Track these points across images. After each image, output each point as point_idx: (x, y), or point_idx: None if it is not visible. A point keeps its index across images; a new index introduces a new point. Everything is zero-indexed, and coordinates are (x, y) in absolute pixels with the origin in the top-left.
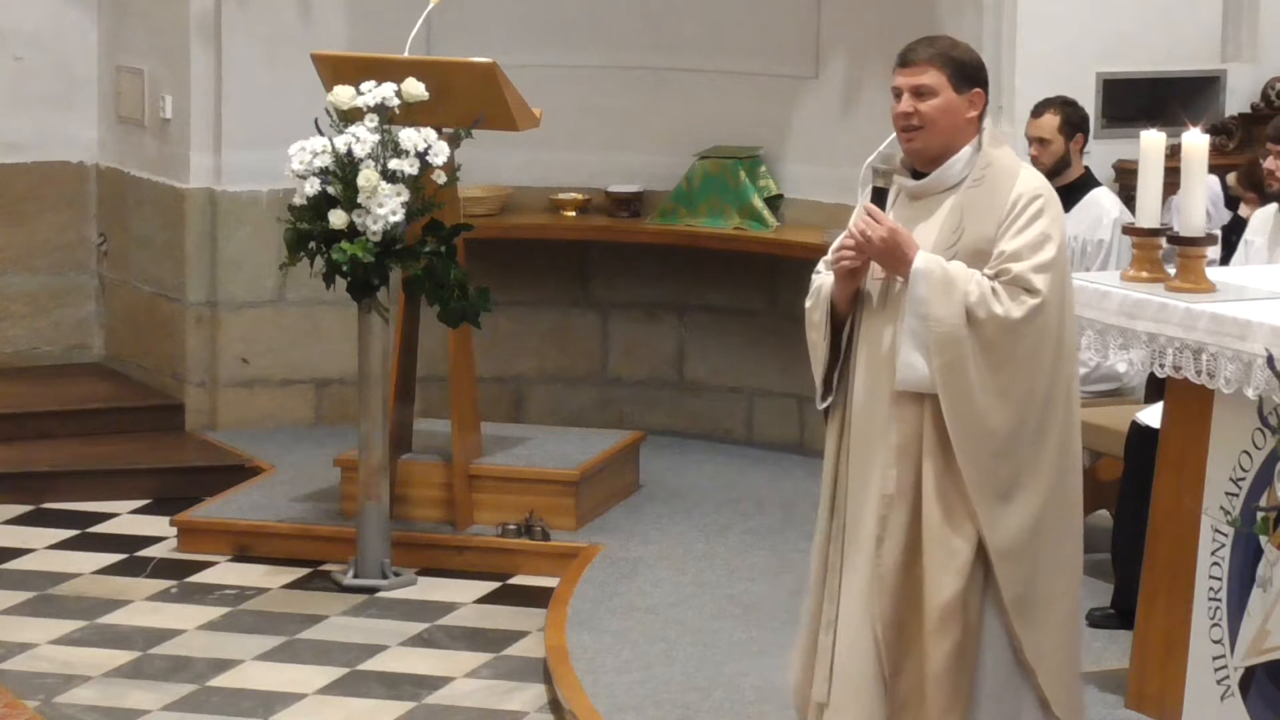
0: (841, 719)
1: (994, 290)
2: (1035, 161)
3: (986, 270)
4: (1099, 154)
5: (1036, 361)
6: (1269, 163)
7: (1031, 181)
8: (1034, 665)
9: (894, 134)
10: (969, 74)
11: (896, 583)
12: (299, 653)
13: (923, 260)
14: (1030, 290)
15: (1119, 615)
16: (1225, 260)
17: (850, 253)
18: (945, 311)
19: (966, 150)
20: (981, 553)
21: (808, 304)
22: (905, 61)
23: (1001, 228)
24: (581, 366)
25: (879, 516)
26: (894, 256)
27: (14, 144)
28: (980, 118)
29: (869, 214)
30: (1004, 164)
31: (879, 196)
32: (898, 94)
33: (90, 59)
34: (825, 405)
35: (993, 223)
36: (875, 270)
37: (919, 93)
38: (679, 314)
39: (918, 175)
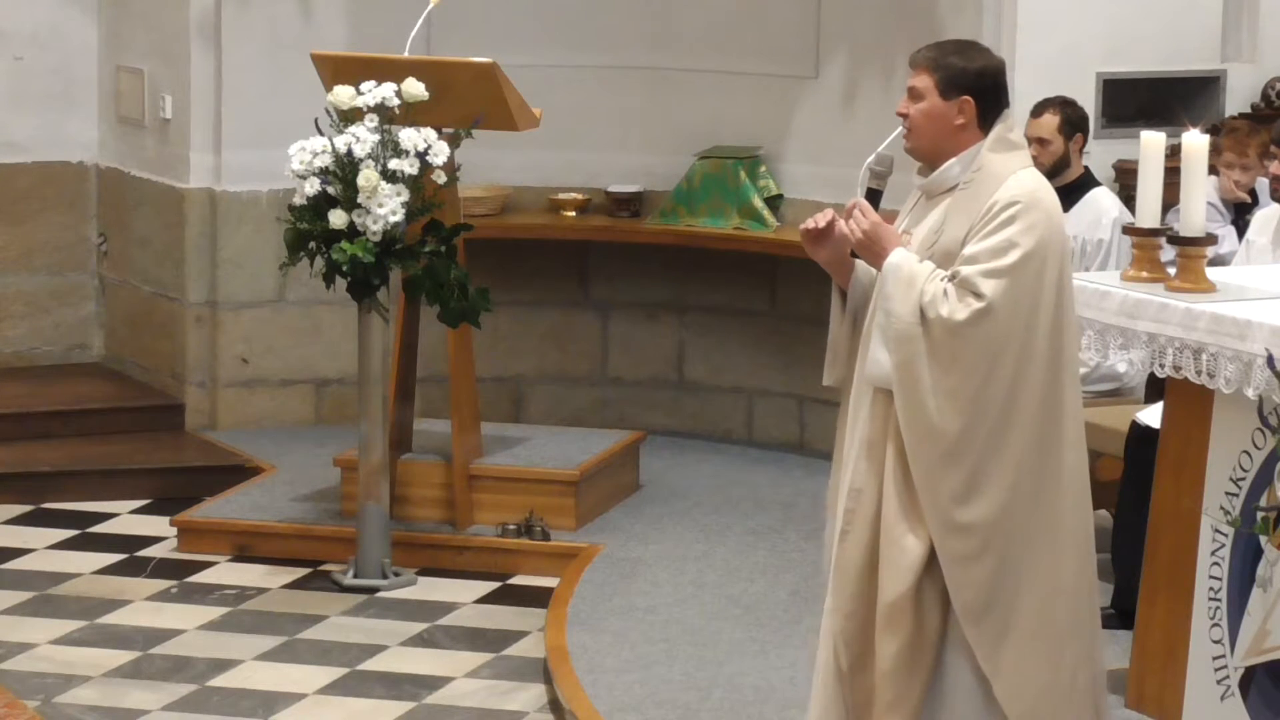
0: (810, 709)
1: (945, 292)
2: (1035, 162)
3: (947, 272)
4: (1099, 154)
5: (991, 368)
6: (1274, 168)
7: (1015, 189)
8: (990, 676)
9: (894, 133)
10: (959, 82)
11: (857, 578)
12: (299, 653)
13: (895, 256)
14: (976, 294)
15: (1119, 615)
16: None
17: (810, 223)
18: (903, 308)
19: (964, 155)
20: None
21: None
22: (910, 63)
23: (971, 232)
24: (581, 366)
25: (846, 510)
26: (872, 251)
27: (14, 144)
28: (981, 124)
29: (858, 209)
30: (995, 170)
31: (871, 195)
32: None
33: (90, 59)
34: (828, 382)
35: (965, 227)
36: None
37: (912, 95)
38: (679, 314)
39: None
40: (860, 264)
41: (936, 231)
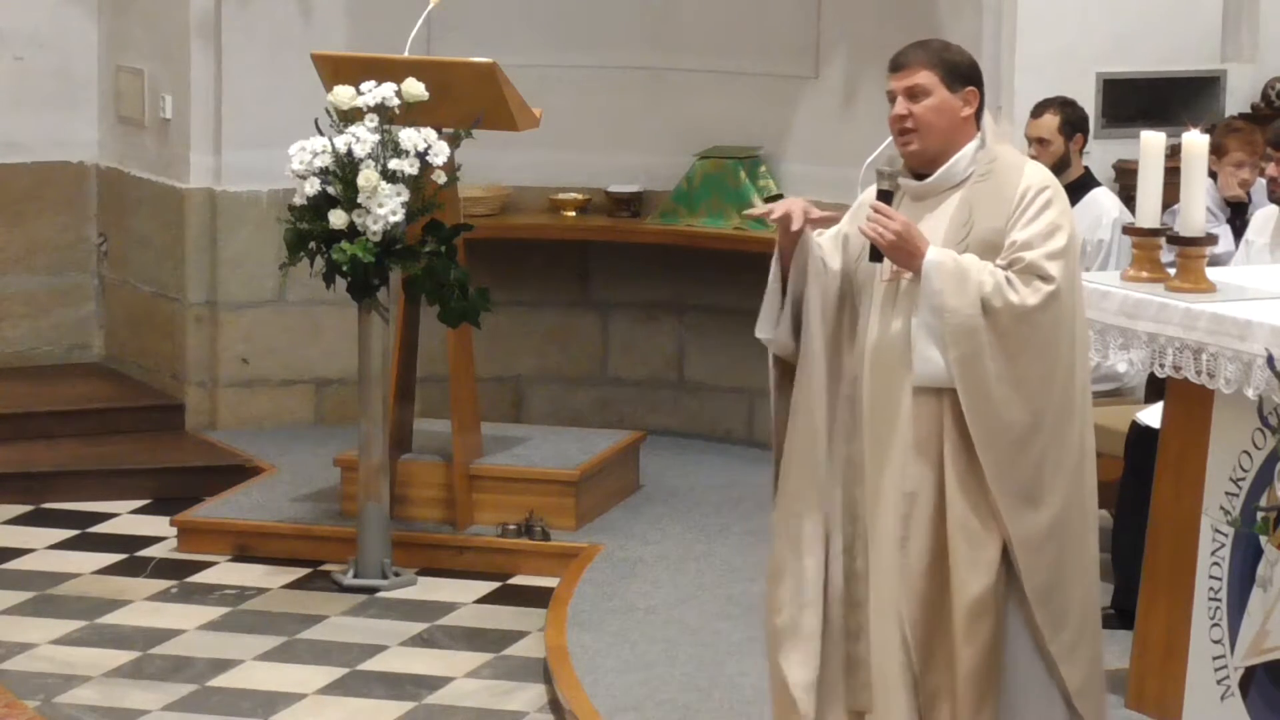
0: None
1: (1008, 279)
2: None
3: (999, 261)
4: (1099, 154)
5: (1053, 350)
6: (1271, 169)
7: (1038, 175)
8: (1058, 657)
9: (888, 140)
10: (961, 73)
11: (924, 582)
12: (299, 653)
13: (934, 254)
14: (1044, 277)
15: (1119, 615)
16: None
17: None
18: (959, 302)
19: (970, 147)
20: (1006, 547)
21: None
22: (896, 66)
23: (1011, 219)
24: (581, 366)
25: (900, 515)
26: (906, 251)
27: (14, 144)
28: (978, 116)
29: (879, 211)
30: (1009, 159)
31: (885, 198)
32: (892, 98)
33: (90, 59)
34: (764, 336)
35: (1002, 215)
36: (883, 271)
37: (912, 94)
38: (679, 314)
39: (920, 177)
40: (815, 242)
41: (965, 225)
